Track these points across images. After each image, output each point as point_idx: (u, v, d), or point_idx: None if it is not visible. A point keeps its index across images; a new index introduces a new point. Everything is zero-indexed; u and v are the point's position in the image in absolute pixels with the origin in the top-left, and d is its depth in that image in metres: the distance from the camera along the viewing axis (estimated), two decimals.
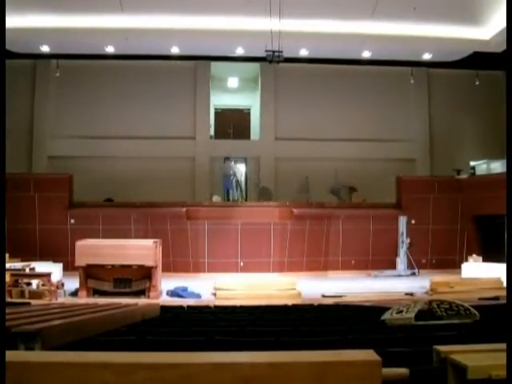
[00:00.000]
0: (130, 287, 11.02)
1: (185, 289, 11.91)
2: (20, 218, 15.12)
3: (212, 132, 19.80)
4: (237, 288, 11.69)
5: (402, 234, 16.02)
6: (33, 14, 14.34)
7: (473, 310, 5.65)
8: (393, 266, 16.15)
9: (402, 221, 16.14)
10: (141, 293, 10.98)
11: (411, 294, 11.59)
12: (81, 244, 11.40)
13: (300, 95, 18.99)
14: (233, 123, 19.95)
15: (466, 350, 2.38)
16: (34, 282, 10.89)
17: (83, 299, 10.42)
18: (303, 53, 16.61)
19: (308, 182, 17.80)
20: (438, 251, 16.69)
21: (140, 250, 11.28)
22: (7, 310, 4.62)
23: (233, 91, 20.45)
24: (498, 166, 16.63)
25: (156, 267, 11.16)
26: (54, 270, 11.82)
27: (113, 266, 11.07)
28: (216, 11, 14.61)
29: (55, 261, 13.44)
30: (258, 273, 15.10)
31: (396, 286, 13.34)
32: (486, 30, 15.12)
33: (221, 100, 20.19)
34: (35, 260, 13.47)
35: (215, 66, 19.22)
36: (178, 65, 18.67)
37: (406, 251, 15.96)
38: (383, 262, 16.25)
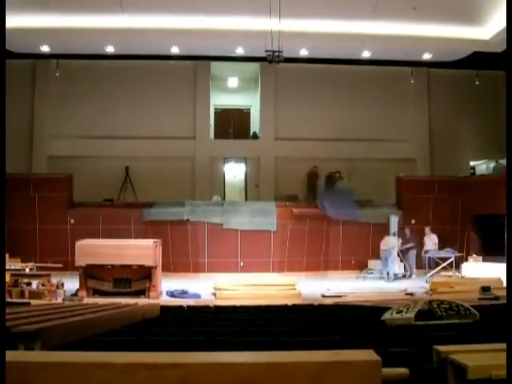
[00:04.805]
0: (129, 287, 11.02)
1: (185, 292, 11.86)
2: (20, 218, 15.12)
3: (212, 132, 19.80)
4: (237, 288, 11.69)
5: (394, 234, 14.93)
6: (33, 14, 14.33)
7: (473, 309, 5.65)
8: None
9: (394, 220, 15.01)
10: (141, 293, 10.98)
11: (411, 294, 11.60)
12: (81, 244, 11.40)
13: (300, 95, 18.98)
14: (233, 123, 19.97)
15: (466, 350, 2.38)
16: (34, 282, 10.90)
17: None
18: (303, 53, 16.61)
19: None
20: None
21: (140, 249, 11.28)
22: (7, 310, 4.62)
23: (233, 91, 20.45)
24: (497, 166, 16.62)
25: (156, 267, 11.17)
26: None
27: (113, 266, 11.06)
28: (216, 11, 14.60)
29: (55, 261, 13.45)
30: (258, 273, 15.10)
31: (396, 286, 13.35)
32: (486, 30, 15.12)
33: (221, 100, 20.20)
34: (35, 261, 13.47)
35: (215, 65, 19.22)
36: (178, 65, 18.67)
37: (399, 252, 15.11)
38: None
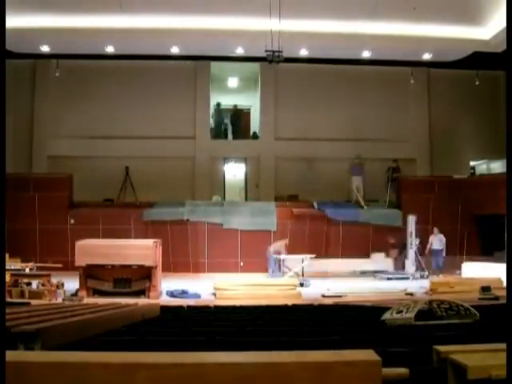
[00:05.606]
0: (129, 287, 11.02)
1: (185, 292, 11.86)
2: (20, 218, 15.12)
3: (212, 132, 19.78)
4: (237, 288, 11.69)
5: (411, 234, 15.16)
6: (33, 14, 14.33)
7: (473, 309, 5.65)
8: (396, 266, 16.15)
9: (411, 221, 15.26)
10: (141, 293, 10.98)
11: (411, 294, 11.60)
12: (81, 244, 11.40)
13: (300, 95, 18.97)
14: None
15: (466, 350, 2.38)
16: (34, 282, 10.90)
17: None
18: (303, 53, 16.61)
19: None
20: None
21: (140, 249, 11.28)
22: (7, 310, 4.62)
23: (233, 91, 20.44)
24: (498, 166, 16.62)
25: (156, 267, 11.17)
26: None
27: (113, 266, 11.06)
28: (216, 11, 14.60)
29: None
30: (258, 273, 15.10)
31: (396, 285, 13.34)
32: (486, 30, 15.12)
33: (221, 100, 20.18)
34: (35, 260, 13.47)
35: (215, 65, 19.21)
36: (178, 65, 18.66)
37: (416, 252, 15.21)
38: (383, 262, 16.22)
